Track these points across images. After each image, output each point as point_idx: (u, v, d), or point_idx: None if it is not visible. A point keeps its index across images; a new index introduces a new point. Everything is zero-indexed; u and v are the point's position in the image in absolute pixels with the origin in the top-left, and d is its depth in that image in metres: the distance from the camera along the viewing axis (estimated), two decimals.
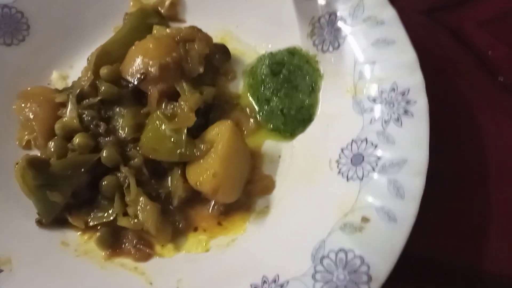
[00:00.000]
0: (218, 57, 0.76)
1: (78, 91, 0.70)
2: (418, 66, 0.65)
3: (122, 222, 0.67)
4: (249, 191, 0.70)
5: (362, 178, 0.62)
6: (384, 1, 0.69)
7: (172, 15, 0.82)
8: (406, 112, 0.63)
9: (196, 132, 0.69)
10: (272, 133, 0.74)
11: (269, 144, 0.74)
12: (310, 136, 0.72)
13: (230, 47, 0.79)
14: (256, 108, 0.76)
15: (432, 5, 0.84)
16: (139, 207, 0.66)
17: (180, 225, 0.69)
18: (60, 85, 0.79)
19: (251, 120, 0.75)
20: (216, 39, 0.78)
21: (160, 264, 0.67)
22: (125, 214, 0.68)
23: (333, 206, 0.62)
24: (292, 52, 0.75)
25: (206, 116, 0.72)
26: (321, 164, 0.68)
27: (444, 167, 0.68)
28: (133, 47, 0.72)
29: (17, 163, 0.67)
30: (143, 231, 0.68)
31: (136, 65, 0.70)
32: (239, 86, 0.78)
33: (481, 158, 0.72)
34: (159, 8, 0.81)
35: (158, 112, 0.69)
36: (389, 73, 0.65)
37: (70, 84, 0.79)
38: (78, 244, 0.69)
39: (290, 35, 0.76)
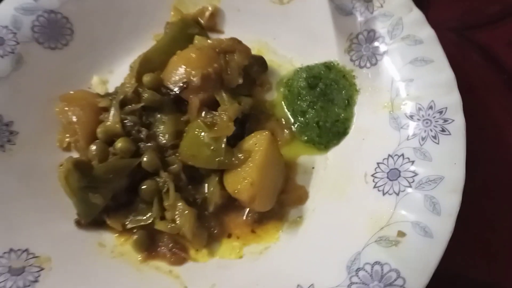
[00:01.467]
0: (256, 69, 0.78)
1: (121, 97, 0.72)
2: (455, 85, 0.66)
3: (160, 226, 0.69)
4: (282, 200, 0.72)
5: (398, 193, 0.63)
6: (422, 20, 0.70)
7: (211, 26, 0.84)
8: (443, 130, 0.64)
9: (233, 140, 0.71)
10: (306, 144, 0.75)
11: (303, 155, 0.75)
12: (344, 149, 0.73)
13: (267, 58, 0.81)
14: (291, 119, 0.77)
15: (464, 24, 0.86)
16: (177, 212, 0.68)
17: (215, 231, 0.70)
18: (100, 90, 0.81)
19: (286, 130, 0.76)
20: (253, 51, 0.80)
21: (194, 269, 0.69)
22: (162, 218, 0.70)
23: (368, 219, 0.64)
24: (329, 67, 0.77)
25: (243, 125, 0.74)
26: (355, 177, 0.69)
27: (472, 186, 0.69)
28: (175, 56, 0.74)
29: (61, 165, 0.69)
30: (178, 235, 0.70)
31: (179, 73, 0.72)
32: (274, 97, 0.80)
33: (509, 177, 0.73)
34: (199, 19, 0.83)
35: (198, 120, 0.71)
36: (427, 92, 0.67)
37: (109, 88, 0.82)
38: (114, 245, 0.71)
39: (327, 50, 0.78)
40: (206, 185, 0.71)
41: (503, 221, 0.70)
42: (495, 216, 0.71)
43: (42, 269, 0.65)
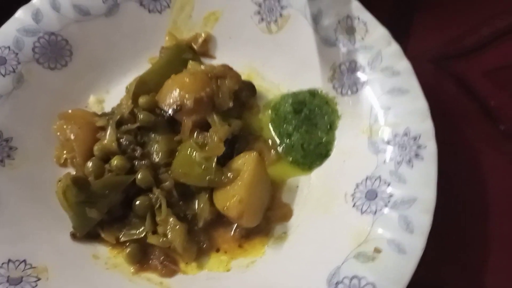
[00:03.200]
0: (245, 93, 0.83)
1: (118, 117, 0.76)
2: (429, 114, 0.72)
3: (152, 239, 0.72)
4: (268, 217, 0.76)
5: (375, 212, 0.69)
6: (400, 54, 0.77)
7: (204, 51, 0.89)
8: (417, 155, 0.70)
9: (223, 160, 0.75)
10: (291, 165, 0.81)
11: (288, 175, 0.80)
12: (327, 170, 0.79)
13: (256, 83, 0.86)
14: (277, 141, 0.82)
15: (441, 54, 0.92)
16: (168, 227, 0.72)
17: (204, 245, 0.74)
18: (96, 108, 0.85)
19: (272, 151, 0.81)
20: (243, 76, 0.85)
21: (184, 281, 0.73)
22: (154, 232, 0.73)
23: (348, 236, 0.69)
24: (313, 93, 0.82)
25: (232, 146, 0.79)
26: (336, 197, 0.74)
27: (448, 205, 0.75)
28: (170, 80, 0.78)
29: (59, 180, 0.73)
30: (169, 249, 0.73)
31: (173, 96, 0.76)
32: (261, 119, 0.85)
33: (481, 197, 0.79)
34: (193, 44, 0.88)
35: (190, 141, 0.75)
36: (403, 119, 0.73)
37: (105, 107, 0.86)
38: (108, 257, 0.74)
39: (311, 77, 0.83)
40: (197, 201, 0.75)
41: (473, 237, 0.76)
42: (465, 234, 0.77)
43: (39, 279, 0.68)
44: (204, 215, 0.74)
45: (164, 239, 0.72)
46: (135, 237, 0.73)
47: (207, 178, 0.72)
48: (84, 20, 0.85)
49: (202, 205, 0.74)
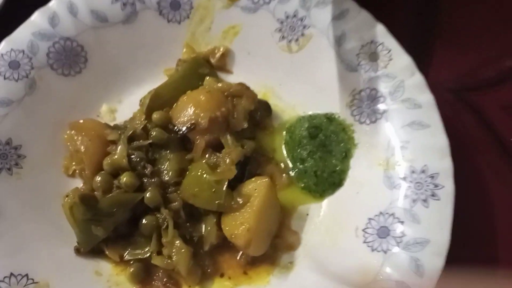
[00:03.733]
0: (261, 113, 0.81)
1: (130, 132, 0.74)
2: (448, 152, 0.70)
3: (156, 260, 0.71)
4: (276, 245, 0.75)
5: (386, 252, 0.67)
6: (423, 85, 0.74)
7: (221, 65, 0.86)
8: (433, 195, 0.68)
9: (233, 182, 0.73)
10: (303, 191, 0.79)
11: (299, 202, 0.79)
12: (339, 200, 0.77)
13: (271, 102, 0.84)
14: (290, 165, 0.80)
15: (461, 85, 0.89)
16: (174, 249, 0.70)
17: (209, 270, 0.73)
18: (108, 118, 0.84)
19: (284, 175, 0.80)
20: (259, 94, 0.83)
21: None
22: (159, 253, 0.72)
23: (356, 272, 0.67)
24: (330, 118, 0.80)
25: (244, 167, 0.77)
26: (347, 229, 0.73)
27: (458, 246, 0.72)
28: (186, 97, 0.77)
29: (67, 195, 0.72)
30: (173, 271, 0.72)
31: (187, 114, 0.74)
32: (275, 141, 0.83)
33: (495, 238, 0.77)
34: (210, 58, 0.86)
35: (202, 162, 0.74)
36: (421, 155, 0.71)
37: (118, 117, 0.85)
38: (110, 275, 0.73)
39: (329, 101, 0.81)
40: (204, 224, 0.74)
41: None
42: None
43: None
44: (210, 239, 0.72)
45: (169, 261, 0.71)
46: (139, 256, 0.72)
47: (216, 202, 0.71)
48: (101, 27, 0.83)
49: (209, 228, 0.73)
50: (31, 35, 0.80)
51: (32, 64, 0.79)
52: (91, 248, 0.73)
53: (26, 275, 0.69)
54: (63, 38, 0.81)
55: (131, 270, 0.72)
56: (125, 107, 0.85)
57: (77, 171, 0.78)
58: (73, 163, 0.78)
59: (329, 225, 0.75)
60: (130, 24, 0.84)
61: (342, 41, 0.79)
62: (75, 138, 0.76)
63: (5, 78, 0.78)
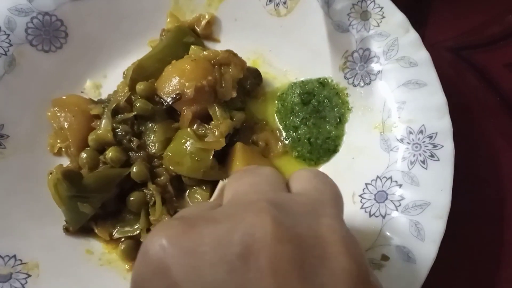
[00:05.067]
0: (250, 81, 0.78)
1: (114, 105, 0.72)
2: (447, 111, 0.66)
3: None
4: None
5: (384, 216, 0.64)
6: (418, 42, 0.70)
7: (207, 34, 0.83)
8: (432, 155, 0.65)
9: (220, 153, 0.71)
10: (297, 159, 0.76)
11: (293, 170, 0.76)
12: (334, 167, 0.74)
13: (262, 70, 0.80)
14: (283, 133, 0.77)
15: (461, 44, 0.86)
16: None
17: None
18: (93, 94, 0.81)
19: (280, 143, 0.77)
20: (248, 61, 0.79)
21: None
22: (149, 230, 0.70)
23: None
24: (323, 83, 0.77)
25: (231, 139, 0.74)
26: (344, 197, 0.70)
27: (462, 208, 0.70)
28: (170, 67, 0.73)
29: (50, 173, 0.69)
30: None
31: (172, 84, 0.71)
32: (267, 109, 0.80)
33: (500, 198, 0.74)
34: (195, 26, 0.82)
35: (188, 129, 0.71)
36: (418, 115, 0.67)
37: (103, 93, 0.81)
38: (102, 253, 0.71)
39: (321, 65, 0.77)
40: (187, 195, 0.72)
41: (490, 244, 0.71)
42: (481, 239, 0.72)
43: (29, 275, 0.65)
44: None
45: None
46: (129, 234, 0.70)
47: (201, 171, 0.68)
48: None
49: (195, 200, 0.70)
50: (8, 11, 0.76)
51: (10, 41, 0.76)
52: (80, 227, 0.71)
53: (14, 256, 0.66)
54: (41, 13, 0.78)
55: (122, 248, 0.70)
56: (110, 81, 0.81)
57: (63, 149, 0.76)
58: (58, 141, 0.75)
59: None
60: None
61: (332, 1, 0.75)
62: (59, 115, 0.74)
63: None
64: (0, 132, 0.74)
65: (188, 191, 0.71)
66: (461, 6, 0.89)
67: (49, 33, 0.79)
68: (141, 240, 0.69)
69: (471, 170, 0.74)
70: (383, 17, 0.73)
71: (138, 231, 0.70)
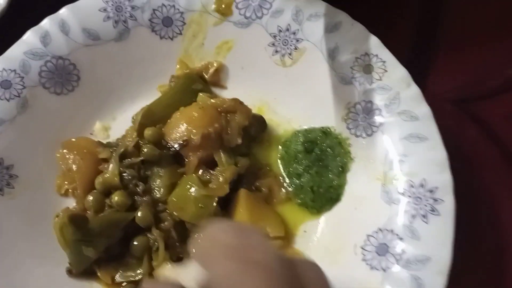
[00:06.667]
0: (255, 128, 0.80)
1: (122, 150, 0.73)
2: (447, 166, 0.68)
3: None
4: None
5: (385, 270, 0.65)
6: (419, 97, 0.72)
7: (215, 81, 0.85)
8: (433, 210, 0.66)
9: (223, 199, 0.72)
10: (299, 207, 0.77)
11: (295, 218, 0.77)
12: (336, 216, 0.75)
13: (266, 117, 0.82)
14: (287, 179, 0.79)
15: (463, 95, 0.87)
16: None
17: None
18: (102, 136, 0.83)
19: (283, 189, 0.78)
20: (253, 108, 0.81)
21: None
22: (151, 275, 0.70)
23: None
24: (326, 132, 0.78)
25: (235, 185, 0.75)
26: (345, 247, 0.70)
27: (465, 259, 0.70)
28: (178, 113, 0.75)
29: (57, 216, 0.71)
30: None
31: (180, 131, 0.73)
32: (271, 155, 0.81)
33: (501, 250, 0.74)
34: (204, 73, 0.85)
35: (193, 174, 0.72)
36: (419, 169, 0.69)
37: (112, 135, 0.83)
38: None
39: (325, 115, 0.79)
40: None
41: None
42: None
43: None
44: None
45: None
46: (130, 278, 0.70)
47: (205, 217, 0.69)
48: (93, 45, 0.82)
49: None
50: (23, 54, 0.79)
51: (24, 83, 0.78)
52: (84, 269, 0.71)
53: None
54: (55, 57, 0.81)
55: None
56: (119, 124, 0.83)
57: (70, 190, 0.77)
58: (66, 182, 0.77)
59: (327, 243, 0.73)
60: (122, 41, 0.83)
61: (336, 54, 0.77)
62: (67, 157, 0.75)
63: None
64: (10, 173, 0.75)
65: (191, 237, 0.72)
66: (462, 58, 0.90)
67: (62, 76, 0.81)
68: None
69: (471, 222, 0.75)
70: (385, 71, 0.75)
71: (140, 276, 0.70)
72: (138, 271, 0.70)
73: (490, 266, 0.74)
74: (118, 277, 0.71)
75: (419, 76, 0.75)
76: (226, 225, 0.42)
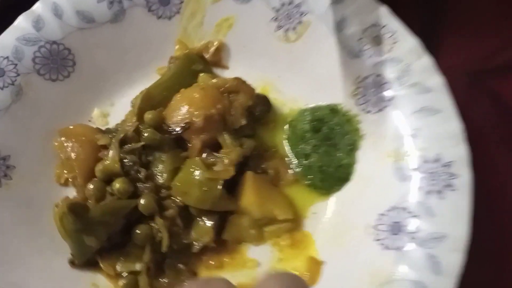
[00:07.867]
0: (260, 108, 0.76)
1: (121, 135, 0.70)
2: (463, 138, 0.64)
3: None
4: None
5: (399, 249, 0.62)
6: (432, 68, 0.68)
7: (216, 61, 0.82)
8: (448, 185, 0.62)
9: (229, 182, 0.70)
10: (308, 188, 0.74)
11: (304, 199, 0.74)
12: (347, 196, 0.72)
13: (271, 96, 0.79)
14: (294, 160, 0.76)
15: (477, 68, 0.83)
16: None
17: None
18: (100, 123, 0.80)
19: (290, 171, 0.75)
20: (257, 88, 0.78)
21: None
22: (149, 268, 0.68)
23: (367, 273, 0.62)
24: (334, 110, 0.75)
25: (241, 168, 0.72)
26: (356, 228, 0.68)
27: (480, 242, 0.67)
28: (179, 95, 0.72)
29: (56, 206, 0.68)
30: None
31: (181, 113, 0.70)
32: (277, 136, 0.78)
33: None
34: (204, 53, 0.81)
35: (196, 158, 0.70)
36: (433, 143, 0.65)
37: (110, 121, 0.80)
38: (108, 286, 0.69)
39: (332, 91, 0.76)
40: (195, 226, 0.70)
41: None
42: (501, 274, 0.69)
43: None
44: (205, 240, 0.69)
45: None
46: (132, 269, 0.68)
47: (210, 201, 0.67)
48: (88, 28, 0.79)
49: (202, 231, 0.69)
50: (15, 41, 0.76)
51: (18, 70, 0.75)
52: (86, 260, 0.69)
53: None
54: (49, 42, 0.77)
55: (121, 284, 0.68)
56: (118, 110, 0.80)
57: (69, 179, 0.75)
58: (65, 171, 0.74)
59: (337, 224, 0.70)
60: (118, 23, 0.80)
61: (343, 26, 0.73)
62: (65, 145, 0.73)
63: None
64: (7, 163, 0.73)
65: (194, 223, 0.70)
66: (476, 30, 0.86)
67: (56, 62, 0.78)
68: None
69: (486, 203, 0.71)
70: (396, 42, 0.71)
71: (141, 267, 0.67)
72: (139, 262, 0.67)
73: (506, 249, 0.71)
74: (118, 267, 0.68)
75: (431, 49, 0.71)
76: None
